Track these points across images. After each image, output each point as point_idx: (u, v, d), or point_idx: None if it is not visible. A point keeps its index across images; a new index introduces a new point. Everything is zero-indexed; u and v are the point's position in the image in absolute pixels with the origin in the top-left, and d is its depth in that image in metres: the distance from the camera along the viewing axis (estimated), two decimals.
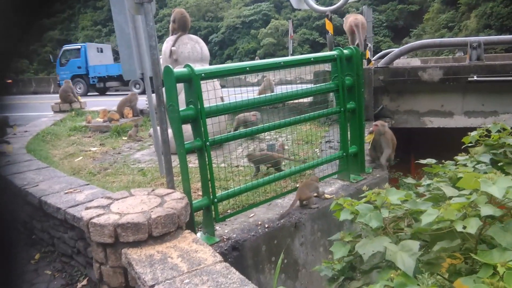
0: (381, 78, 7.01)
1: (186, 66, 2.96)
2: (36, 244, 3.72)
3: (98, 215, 2.50)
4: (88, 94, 20.54)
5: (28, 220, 3.83)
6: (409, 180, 2.69)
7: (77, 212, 3.03)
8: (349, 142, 4.13)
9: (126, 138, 7.06)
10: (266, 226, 3.24)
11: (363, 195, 2.17)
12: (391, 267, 1.86)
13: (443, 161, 2.60)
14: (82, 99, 10.39)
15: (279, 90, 3.74)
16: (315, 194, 3.68)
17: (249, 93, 3.58)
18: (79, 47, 21.13)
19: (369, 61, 8.01)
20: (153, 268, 2.16)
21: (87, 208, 2.67)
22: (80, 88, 20.61)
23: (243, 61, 29.04)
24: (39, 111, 11.26)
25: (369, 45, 8.10)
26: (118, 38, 4.47)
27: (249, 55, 36.57)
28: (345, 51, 3.95)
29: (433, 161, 2.60)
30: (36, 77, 26.60)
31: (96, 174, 4.80)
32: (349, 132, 4.14)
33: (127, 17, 4.24)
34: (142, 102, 9.05)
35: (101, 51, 22.28)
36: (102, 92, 21.03)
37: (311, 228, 3.49)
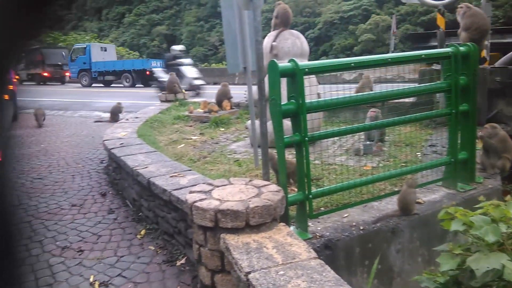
0: (498, 79, 6.30)
1: (291, 61, 2.97)
2: (142, 221, 4.09)
3: (201, 199, 2.65)
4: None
5: (137, 198, 4.22)
6: None
7: (181, 195, 3.24)
8: (458, 147, 3.79)
9: (223, 129, 7.38)
10: (361, 228, 3.14)
11: (479, 205, 1.97)
12: (507, 287, 1.68)
13: None
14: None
15: (378, 88, 3.57)
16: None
17: (345, 91, 3.47)
18: (85, 46, 24.83)
19: (484, 60, 7.26)
20: (249, 255, 2.22)
21: (191, 192, 2.84)
22: (85, 81, 24.05)
23: (338, 57, 28.35)
24: (143, 99, 12.44)
25: (486, 42, 7.32)
26: (225, 32, 4.66)
27: (345, 51, 35.53)
28: (461, 48, 3.61)
29: None
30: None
31: (196, 161, 5.10)
32: (459, 137, 3.81)
33: (235, 12, 4.39)
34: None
35: (105, 50, 25.87)
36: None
37: (409, 235, 3.29)
